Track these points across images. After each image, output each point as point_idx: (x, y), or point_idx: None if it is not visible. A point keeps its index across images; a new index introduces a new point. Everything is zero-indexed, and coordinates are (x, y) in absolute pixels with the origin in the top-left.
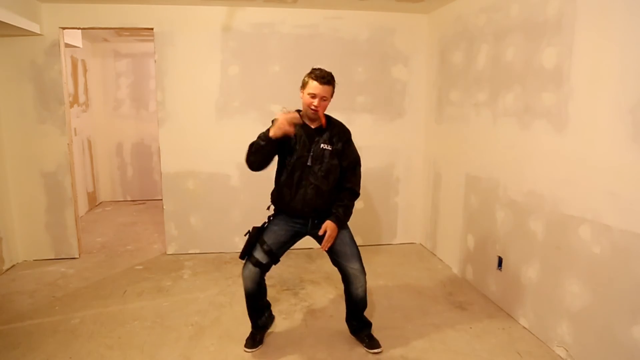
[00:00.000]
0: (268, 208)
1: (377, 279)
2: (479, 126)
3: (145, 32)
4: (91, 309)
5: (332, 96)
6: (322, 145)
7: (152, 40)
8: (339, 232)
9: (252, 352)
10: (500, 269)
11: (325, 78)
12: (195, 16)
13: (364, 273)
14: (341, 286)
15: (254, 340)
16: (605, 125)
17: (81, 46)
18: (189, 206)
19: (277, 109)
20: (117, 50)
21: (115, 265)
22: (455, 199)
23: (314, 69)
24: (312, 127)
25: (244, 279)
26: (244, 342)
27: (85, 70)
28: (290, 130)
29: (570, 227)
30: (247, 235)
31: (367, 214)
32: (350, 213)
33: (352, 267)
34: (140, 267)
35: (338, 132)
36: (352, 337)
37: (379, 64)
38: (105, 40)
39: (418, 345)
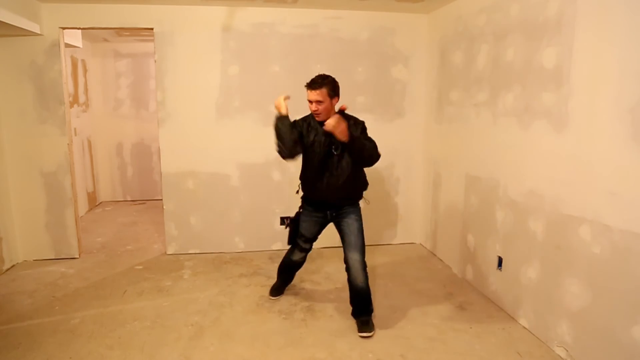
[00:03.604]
0: (297, 192)
1: (377, 279)
2: (479, 126)
3: (145, 32)
4: (91, 309)
5: (331, 97)
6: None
7: (152, 40)
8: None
9: (276, 299)
10: (500, 269)
11: (314, 83)
12: (195, 16)
13: (363, 265)
14: (341, 286)
15: (279, 291)
16: (605, 125)
17: (81, 46)
18: (189, 206)
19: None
20: (117, 50)
21: (115, 265)
22: (455, 199)
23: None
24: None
25: (294, 255)
26: (269, 291)
27: (85, 70)
28: (286, 99)
29: (570, 227)
30: (286, 226)
31: (367, 214)
32: (362, 144)
33: (353, 257)
34: (140, 267)
35: (354, 124)
36: (353, 336)
37: (379, 64)
38: (105, 40)
39: (418, 345)
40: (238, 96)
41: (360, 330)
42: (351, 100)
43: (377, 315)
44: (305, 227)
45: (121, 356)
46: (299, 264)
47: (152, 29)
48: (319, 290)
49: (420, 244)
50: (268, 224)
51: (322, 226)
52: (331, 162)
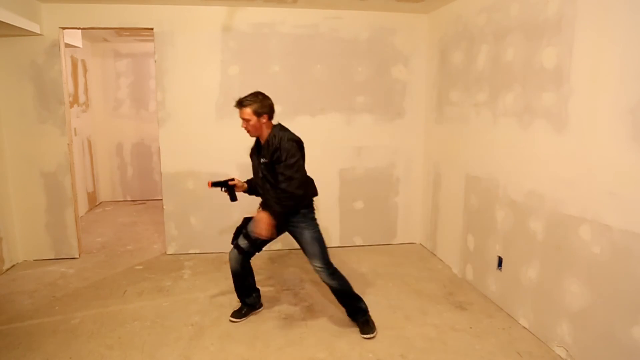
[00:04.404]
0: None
1: (377, 279)
2: (479, 126)
3: (145, 32)
4: (91, 309)
5: (258, 115)
6: (261, 159)
7: (152, 40)
8: (279, 224)
9: (237, 322)
10: (500, 269)
11: (239, 102)
12: (195, 16)
13: (327, 270)
14: None
15: (240, 312)
16: (605, 125)
17: (81, 46)
18: (189, 206)
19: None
20: (117, 50)
21: (115, 265)
22: (455, 199)
23: None
24: (262, 142)
25: (229, 259)
26: (231, 314)
27: (85, 70)
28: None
29: (570, 227)
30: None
31: (367, 214)
32: (283, 207)
33: (314, 264)
34: (140, 267)
35: (268, 147)
36: (353, 336)
37: (379, 64)
38: (105, 40)
39: (418, 345)
40: (238, 96)
41: (362, 332)
42: (351, 100)
43: (377, 315)
44: (252, 222)
45: (121, 356)
46: (240, 274)
47: (152, 29)
48: (319, 290)
49: (420, 244)
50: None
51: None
52: (262, 181)
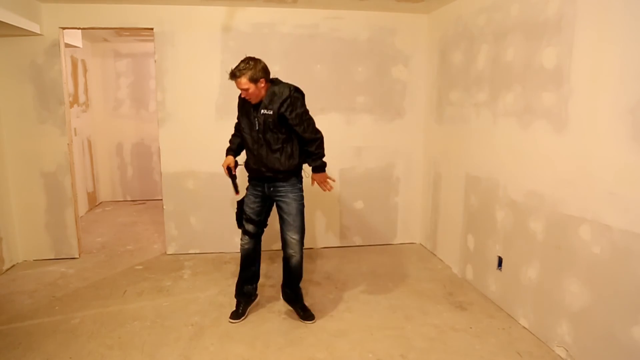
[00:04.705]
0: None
1: (377, 279)
2: (479, 126)
3: (145, 32)
4: (91, 309)
5: (254, 81)
6: (262, 111)
7: (152, 40)
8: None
9: (236, 322)
10: (500, 269)
11: (232, 75)
12: (195, 16)
13: (300, 243)
14: (341, 286)
15: (237, 311)
16: (605, 125)
17: (81, 46)
18: (189, 206)
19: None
20: (117, 50)
21: (115, 265)
22: (455, 199)
23: None
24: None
25: (241, 245)
26: (230, 315)
27: (85, 70)
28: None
29: (570, 227)
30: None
31: (367, 214)
32: (320, 155)
33: (291, 236)
34: (140, 267)
35: (272, 98)
36: (353, 336)
37: (379, 64)
38: (105, 40)
39: (418, 345)
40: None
41: (304, 318)
42: (351, 100)
43: (377, 315)
44: (247, 204)
45: (121, 356)
46: (250, 256)
47: (152, 29)
48: (319, 290)
49: (420, 244)
50: (268, 223)
51: (263, 203)
52: (257, 134)
